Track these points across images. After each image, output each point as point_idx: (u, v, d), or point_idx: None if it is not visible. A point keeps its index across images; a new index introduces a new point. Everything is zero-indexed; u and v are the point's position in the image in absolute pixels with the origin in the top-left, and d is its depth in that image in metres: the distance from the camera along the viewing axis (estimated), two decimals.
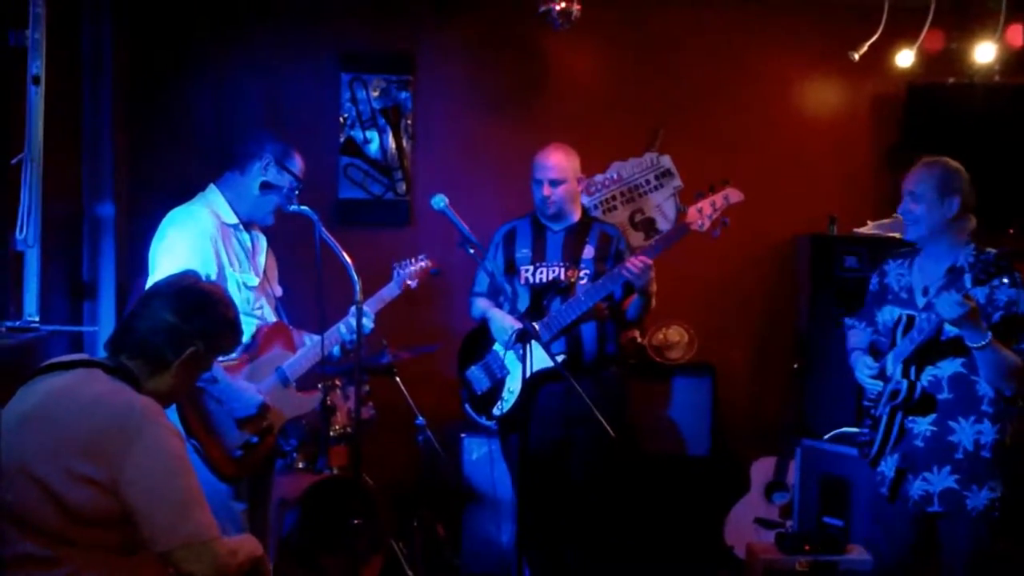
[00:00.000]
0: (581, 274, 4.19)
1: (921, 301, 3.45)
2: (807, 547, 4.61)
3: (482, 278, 4.44)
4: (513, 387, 4.18)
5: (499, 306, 4.32)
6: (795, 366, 5.16)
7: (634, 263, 4.01)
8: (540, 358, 3.93)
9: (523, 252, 4.32)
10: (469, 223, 3.56)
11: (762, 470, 5.14)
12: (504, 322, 4.21)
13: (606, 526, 4.38)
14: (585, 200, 5.40)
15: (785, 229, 5.42)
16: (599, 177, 5.44)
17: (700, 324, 5.29)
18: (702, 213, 4.05)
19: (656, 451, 5.16)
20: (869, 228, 5.07)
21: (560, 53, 5.41)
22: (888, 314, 3.55)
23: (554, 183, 4.24)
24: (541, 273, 4.25)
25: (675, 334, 5.39)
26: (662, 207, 5.44)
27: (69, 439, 2.32)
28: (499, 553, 4.89)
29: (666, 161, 5.45)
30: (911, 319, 3.40)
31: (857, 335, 3.74)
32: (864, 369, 3.55)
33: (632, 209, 5.36)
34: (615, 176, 5.44)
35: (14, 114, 3.57)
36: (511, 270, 4.30)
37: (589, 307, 4.12)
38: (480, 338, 4.33)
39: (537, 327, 4.08)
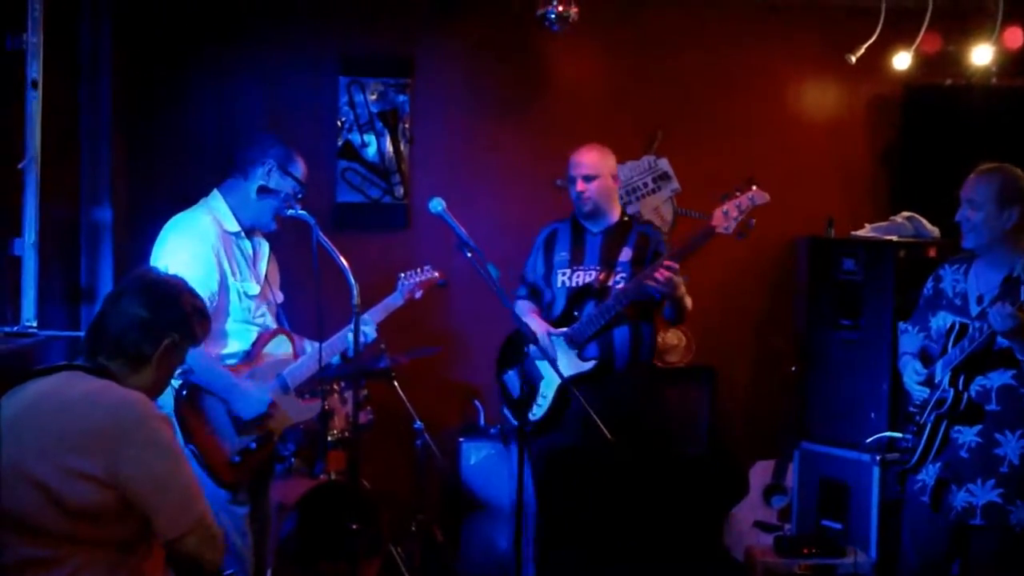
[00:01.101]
0: (617, 277, 4.18)
1: (975, 309, 3.40)
2: (806, 550, 4.62)
3: (529, 280, 4.49)
4: (546, 392, 4.20)
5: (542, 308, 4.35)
6: (792, 369, 5.16)
7: (658, 274, 3.96)
8: (569, 364, 4.06)
9: (561, 255, 4.35)
10: (467, 226, 3.56)
11: (761, 473, 5.14)
12: (532, 328, 4.23)
13: (609, 528, 4.38)
14: None
15: (783, 231, 5.41)
16: None
17: (698, 327, 5.29)
18: (728, 216, 3.99)
19: (655, 453, 5.16)
20: (867, 230, 5.07)
21: (558, 56, 5.41)
22: (941, 320, 3.50)
23: (587, 178, 4.25)
24: (577, 277, 4.27)
25: (673, 337, 5.40)
26: (660, 210, 5.43)
27: (62, 437, 2.33)
28: (498, 557, 4.89)
29: (663, 164, 5.45)
30: (964, 327, 3.35)
31: (909, 339, 3.69)
32: (912, 375, 3.52)
33: (631, 212, 5.35)
34: None
35: (12, 118, 3.57)
36: (551, 273, 4.33)
37: (615, 313, 4.12)
38: (518, 342, 4.35)
39: (568, 332, 4.15)
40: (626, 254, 4.22)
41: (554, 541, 4.30)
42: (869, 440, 4.32)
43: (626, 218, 4.38)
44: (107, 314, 2.53)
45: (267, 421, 3.53)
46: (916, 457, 3.47)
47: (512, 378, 4.30)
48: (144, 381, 2.53)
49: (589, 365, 4.15)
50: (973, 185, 3.41)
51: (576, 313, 4.22)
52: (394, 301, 4.11)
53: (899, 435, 3.61)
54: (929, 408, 3.42)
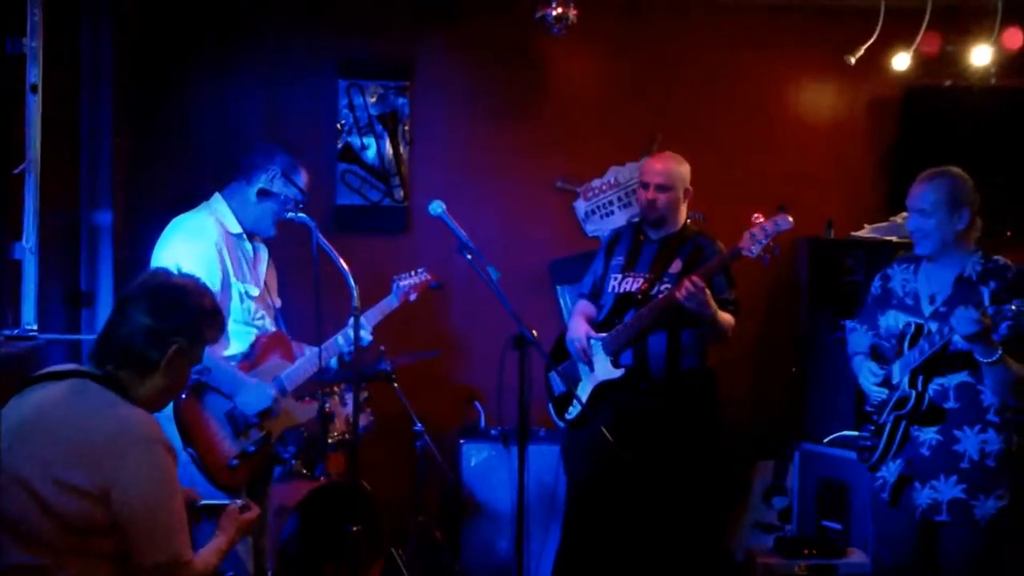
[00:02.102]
0: (662, 287, 4.20)
1: (928, 309, 3.43)
2: (806, 551, 4.62)
3: (588, 280, 4.55)
4: (581, 395, 4.27)
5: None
6: (793, 370, 5.16)
7: (684, 288, 4.00)
8: (603, 370, 4.18)
9: (618, 260, 4.41)
10: (467, 229, 3.57)
11: (761, 474, 5.14)
12: (573, 332, 4.33)
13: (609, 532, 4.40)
14: (582, 204, 5.41)
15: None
16: (596, 182, 5.44)
17: None
18: (754, 239, 4.02)
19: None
20: (867, 231, 5.07)
21: (557, 58, 5.41)
22: (892, 319, 3.53)
23: (661, 188, 4.29)
24: (627, 283, 4.32)
25: None
26: None
27: (62, 450, 2.32)
28: (498, 559, 4.89)
29: None
30: (919, 328, 3.37)
31: (858, 338, 3.72)
32: (869, 376, 3.53)
33: (630, 214, 5.35)
34: (612, 180, 5.44)
35: (12, 122, 3.57)
36: (607, 276, 4.41)
37: (646, 324, 4.16)
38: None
39: (606, 337, 4.24)
40: (676, 265, 4.25)
41: (577, 534, 4.38)
42: (827, 439, 4.36)
43: (687, 228, 4.39)
44: (113, 322, 2.51)
45: (271, 416, 3.54)
46: (877, 456, 3.50)
47: (556, 376, 4.36)
48: (155, 387, 2.51)
49: (619, 373, 4.22)
50: (920, 193, 3.41)
51: (616, 320, 4.25)
52: (389, 304, 4.13)
53: (856, 433, 3.64)
54: (889, 408, 3.44)
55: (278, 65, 5.30)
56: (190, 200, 3.78)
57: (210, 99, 5.25)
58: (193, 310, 2.54)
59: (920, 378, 3.36)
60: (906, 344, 3.40)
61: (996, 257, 3.40)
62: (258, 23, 5.27)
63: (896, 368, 3.43)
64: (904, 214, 4.96)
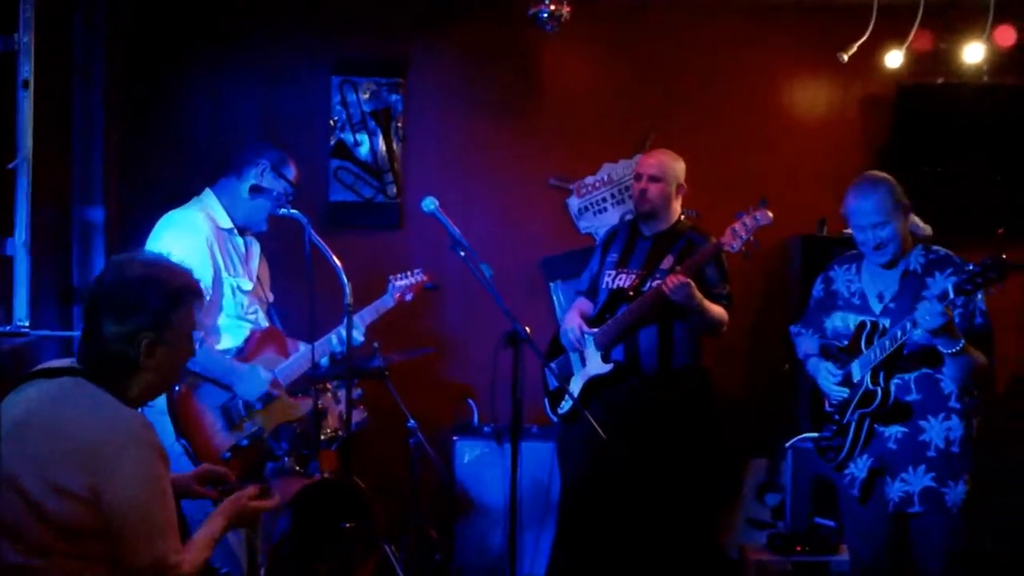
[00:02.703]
0: (653, 283, 4.20)
1: (878, 307, 3.47)
2: (799, 547, 4.63)
3: (585, 277, 4.59)
4: (573, 389, 4.30)
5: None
6: (786, 367, 5.17)
7: (668, 281, 4.03)
8: (594, 365, 4.21)
9: (612, 256, 4.43)
10: (460, 225, 3.56)
11: (754, 471, 5.15)
12: (567, 323, 4.36)
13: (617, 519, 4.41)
14: (575, 201, 5.41)
15: (775, 231, 5.39)
16: (590, 179, 5.44)
17: None
18: (735, 234, 4.05)
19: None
20: None
21: (551, 55, 5.41)
22: (840, 320, 3.56)
23: (653, 179, 4.33)
24: (620, 279, 4.34)
25: None
26: None
27: (54, 451, 2.30)
28: (492, 555, 4.89)
29: None
30: (875, 325, 3.40)
31: (806, 341, 3.75)
32: (827, 376, 3.55)
33: (623, 211, 5.36)
34: (605, 178, 5.45)
35: (3, 118, 3.56)
36: (602, 273, 4.44)
37: (635, 319, 4.18)
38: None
39: (596, 333, 4.27)
40: (668, 261, 4.26)
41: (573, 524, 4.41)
42: (787, 444, 4.41)
43: (680, 224, 4.41)
44: (86, 330, 2.48)
45: (271, 400, 3.55)
46: (844, 455, 3.51)
47: (553, 369, 4.37)
48: (144, 383, 2.48)
49: (608, 368, 4.24)
50: (871, 207, 3.40)
51: (608, 315, 4.27)
52: (384, 303, 4.14)
53: (816, 435, 3.64)
54: (853, 406, 3.44)
55: (271, 61, 5.29)
56: (183, 196, 3.78)
57: (204, 95, 5.25)
58: (155, 301, 2.46)
59: (882, 374, 3.39)
60: (863, 343, 3.41)
61: (936, 248, 3.45)
62: (252, 19, 5.26)
63: (856, 366, 3.44)
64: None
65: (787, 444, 4.58)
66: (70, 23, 4.48)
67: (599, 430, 3.49)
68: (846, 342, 3.50)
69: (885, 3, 4.78)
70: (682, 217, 4.45)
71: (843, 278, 3.61)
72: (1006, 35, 5.01)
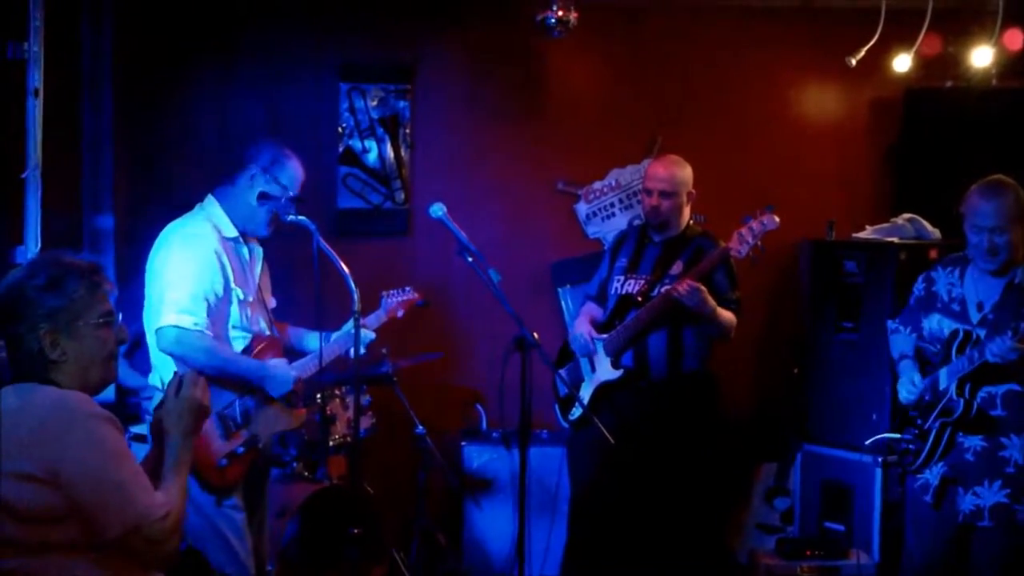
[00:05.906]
0: (662, 289, 4.20)
1: (976, 316, 3.42)
2: (808, 552, 4.62)
3: (595, 282, 4.59)
4: (583, 395, 4.31)
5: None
6: (795, 371, 5.15)
7: (679, 286, 4.04)
8: (604, 371, 4.22)
9: (622, 262, 4.44)
10: (468, 231, 3.57)
11: (763, 475, 5.14)
12: (576, 329, 4.36)
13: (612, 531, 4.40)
14: (584, 207, 5.41)
15: (784, 234, 5.36)
16: (597, 184, 5.44)
17: None
18: (742, 239, 4.07)
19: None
20: (868, 233, 5.07)
21: (558, 61, 5.41)
22: (936, 323, 3.52)
23: (664, 195, 4.32)
24: (629, 285, 4.35)
25: None
26: None
27: (11, 445, 2.30)
28: (500, 561, 4.89)
29: None
30: (968, 334, 3.36)
31: (902, 340, 3.70)
32: (909, 386, 3.53)
33: (631, 216, 5.36)
34: (613, 183, 5.44)
35: (14, 127, 3.58)
36: (611, 278, 4.44)
37: (644, 325, 4.18)
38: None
39: (606, 339, 4.28)
40: (677, 267, 4.27)
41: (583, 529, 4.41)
42: (868, 442, 4.32)
43: (690, 230, 4.41)
44: (4, 343, 2.47)
45: (295, 399, 3.57)
46: (922, 459, 3.48)
47: (562, 376, 4.35)
48: (71, 371, 2.44)
49: (618, 374, 4.25)
50: (995, 210, 3.34)
51: (617, 321, 4.27)
52: (376, 319, 4.11)
53: (898, 436, 3.62)
54: (935, 415, 3.42)
55: (279, 68, 5.30)
56: (192, 203, 3.76)
57: (211, 102, 5.26)
58: (33, 302, 2.41)
59: (968, 385, 3.35)
60: (954, 351, 3.38)
61: None
62: (259, 26, 5.27)
63: (943, 374, 3.41)
64: (906, 215, 5.01)
65: (867, 442, 4.37)
66: (78, 31, 4.51)
67: (608, 436, 3.50)
68: (939, 346, 3.46)
69: (893, 7, 4.77)
70: (691, 222, 4.45)
71: (945, 281, 3.56)
72: (1014, 39, 5.00)
